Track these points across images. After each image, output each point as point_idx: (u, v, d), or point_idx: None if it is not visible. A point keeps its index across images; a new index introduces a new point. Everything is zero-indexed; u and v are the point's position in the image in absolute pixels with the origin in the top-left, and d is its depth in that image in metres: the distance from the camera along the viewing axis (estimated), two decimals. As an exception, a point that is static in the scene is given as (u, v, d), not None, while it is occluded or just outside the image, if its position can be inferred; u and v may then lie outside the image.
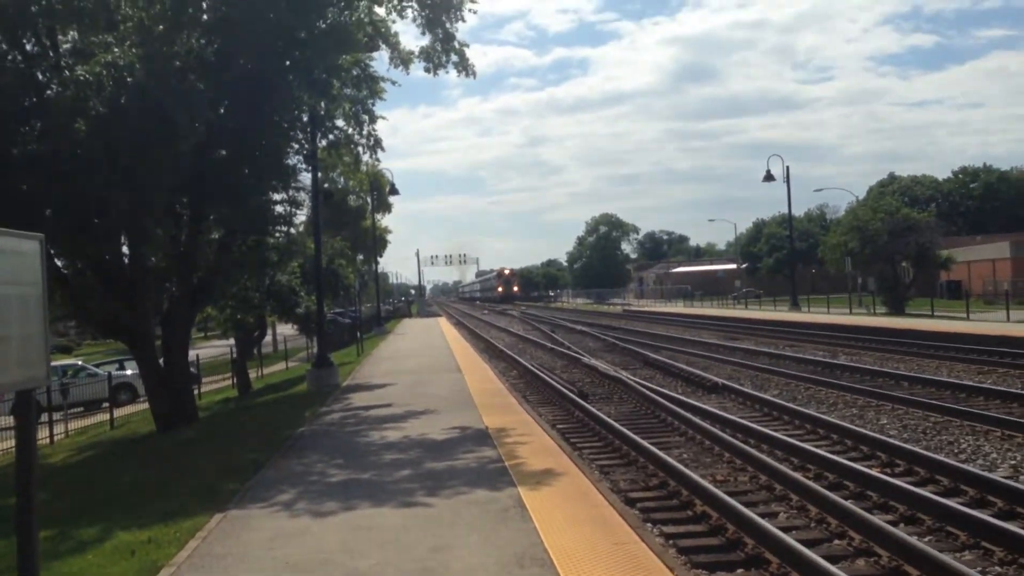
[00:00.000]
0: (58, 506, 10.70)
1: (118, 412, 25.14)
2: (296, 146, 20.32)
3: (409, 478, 10.30)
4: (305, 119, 20.21)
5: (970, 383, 17.08)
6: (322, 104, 19.68)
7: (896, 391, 16.59)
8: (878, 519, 7.88)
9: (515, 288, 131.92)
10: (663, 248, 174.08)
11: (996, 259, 61.55)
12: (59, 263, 17.85)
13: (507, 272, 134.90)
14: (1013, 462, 10.68)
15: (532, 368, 23.49)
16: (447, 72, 20.15)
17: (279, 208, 20.18)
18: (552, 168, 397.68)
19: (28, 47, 16.49)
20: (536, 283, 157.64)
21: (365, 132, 20.72)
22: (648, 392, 17.13)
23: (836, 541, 7.87)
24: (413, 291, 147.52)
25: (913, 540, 7.20)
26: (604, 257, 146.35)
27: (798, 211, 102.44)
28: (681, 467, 10.25)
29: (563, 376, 22.14)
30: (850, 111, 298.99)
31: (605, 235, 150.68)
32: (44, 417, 21.97)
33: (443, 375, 22.77)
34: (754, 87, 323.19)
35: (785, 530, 7.81)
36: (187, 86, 15.62)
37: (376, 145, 20.98)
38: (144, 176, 15.23)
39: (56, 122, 14.95)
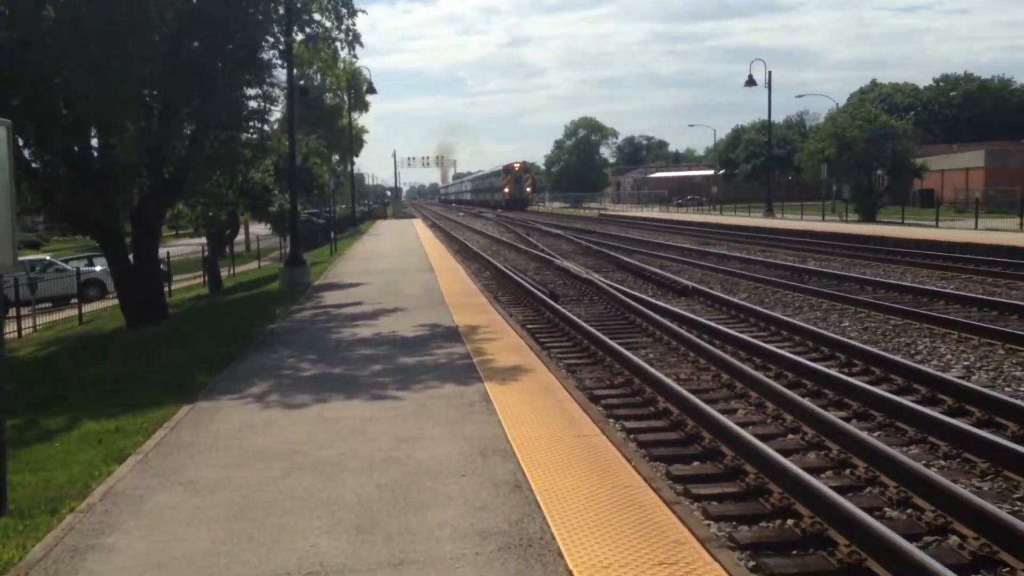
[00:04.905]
0: (26, 397, 10.81)
1: (87, 308, 25.07)
2: (271, 40, 19.85)
3: (380, 372, 10.46)
4: (281, 11, 19.72)
5: (932, 288, 17.41)
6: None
7: (860, 295, 16.89)
8: (831, 415, 8.14)
9: (528, 189, 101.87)
10: (642, 153, 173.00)
11: (970, 168, 61.77)
12: (27, 154, 17.55)
13: (517, 167, 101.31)
14: (967, 363, 10.99)
15: (504, 269, 23.60)
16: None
17: (253, 103, 19.86)
18: (533, 70, 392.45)
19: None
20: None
21: (344, 26, 20.23)
22: (619, 294, 17.29)
23: (790, 436, 8.14)
24: (389, 192, 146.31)
25: (862, 434, 7.46)
26: (582, 161, 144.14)
27: (780, 117, 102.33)
28: (646, 366, 10.43)
29: (535, 278, 22.28)
30: (838, 15, 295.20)
31: (584, 139, 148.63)
32: (12, 312, 21.94)
33: (416, 275, 22.85)
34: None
35: (742, 425, 8.03)
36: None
37: (355, 40, 20.52)
38: (114, 66, 14.89)
39: (24, 9, 14.54)
